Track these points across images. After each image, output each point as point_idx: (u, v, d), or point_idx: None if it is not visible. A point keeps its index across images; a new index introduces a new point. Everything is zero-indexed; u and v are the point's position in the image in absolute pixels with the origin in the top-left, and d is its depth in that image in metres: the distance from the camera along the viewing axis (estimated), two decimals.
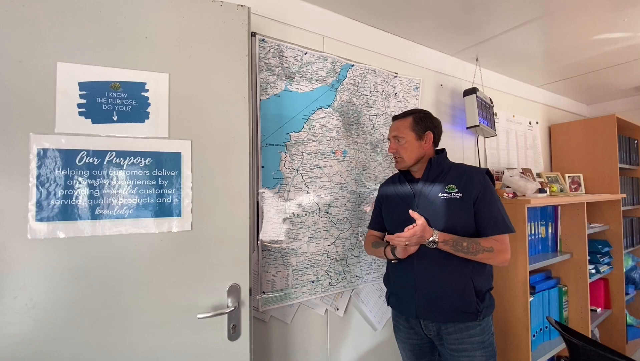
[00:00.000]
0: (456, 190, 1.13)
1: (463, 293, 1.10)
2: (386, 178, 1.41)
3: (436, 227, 1.11)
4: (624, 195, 2.40)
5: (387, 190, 1.32)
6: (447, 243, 1.07)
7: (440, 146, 1.27)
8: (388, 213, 1.28)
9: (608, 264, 2.26)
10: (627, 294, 2.40)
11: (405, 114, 1.24)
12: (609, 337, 2.36)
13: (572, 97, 2.95)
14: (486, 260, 1.09)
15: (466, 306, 1.09)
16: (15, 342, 0.78)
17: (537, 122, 2.62)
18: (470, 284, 1.10)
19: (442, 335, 1.14)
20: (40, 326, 0.80)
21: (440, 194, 1.14)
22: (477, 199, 1.11)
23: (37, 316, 0.80)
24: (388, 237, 1.13)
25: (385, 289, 1.60)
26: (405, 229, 1.06)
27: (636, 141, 2.74)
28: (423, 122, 1.21)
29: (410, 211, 1.09)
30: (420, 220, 1.05)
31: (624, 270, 2.33)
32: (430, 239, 1.06)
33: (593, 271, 2.10)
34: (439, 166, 1.19)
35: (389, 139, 1.26)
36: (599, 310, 2.28)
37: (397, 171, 1.32)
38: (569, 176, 2.51)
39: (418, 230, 1.04)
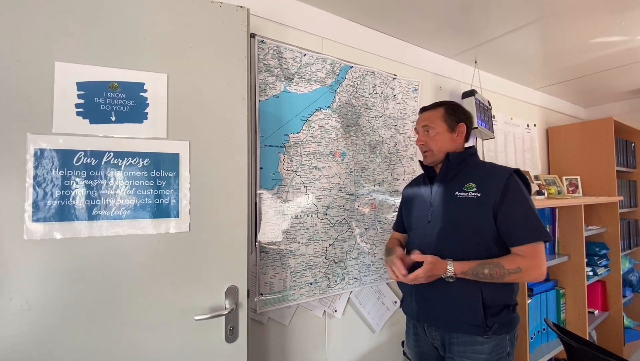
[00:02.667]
0: (474, 189, 1.03)
1: (467, 302, 1.00)
2: (385, 180, 1.41)
3: (446, 228, 1.05)
4: (622, 198, 2.41)
5: (409, 190, 1.28)
6: (466, 274, 0.97)
7: None
8: (406, 213, 1.25)
9: (605, 266, 2.27)
10: (624, 296, 2.40)
11: (436, 105, 1.16)
12: (607, 339, 2.36)
13: (570, 100, 2.96)
14: (517, 281, 0.98)
15: (469, 317, 0.99)
16: (10, 344, 0.77)
17: (535, 125, 2.63)
18: (478, 295, 0.99)
19: (446, 345, 1.07)
20: (36, 328, 0.79)
21: (456, 193, 1.05)
22: (497, 203, 0.98)
23: (32, 318, 0.79)
24: (389, 264, 1.06)
25: (383, 291, 1.61)
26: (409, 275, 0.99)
27: (633, 144, 2.75)
28: (456, 114, 1.13)
29: (413, 255, 0.99)
30: (427, 260, 0.96)
31: (622, 272, 2.34)
32: (447, 274, 0.97)
33: (590, 273, 2.10)
34: (459, 163, 1.09)
35: (415, 130, 1.18)
36: (596, 312, 2.28)
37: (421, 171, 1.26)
38: (566, 179, 2.52)
39: (421, 273, 0.96)
